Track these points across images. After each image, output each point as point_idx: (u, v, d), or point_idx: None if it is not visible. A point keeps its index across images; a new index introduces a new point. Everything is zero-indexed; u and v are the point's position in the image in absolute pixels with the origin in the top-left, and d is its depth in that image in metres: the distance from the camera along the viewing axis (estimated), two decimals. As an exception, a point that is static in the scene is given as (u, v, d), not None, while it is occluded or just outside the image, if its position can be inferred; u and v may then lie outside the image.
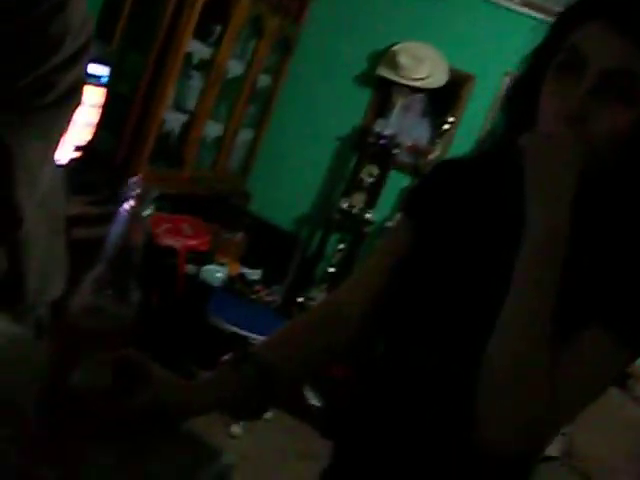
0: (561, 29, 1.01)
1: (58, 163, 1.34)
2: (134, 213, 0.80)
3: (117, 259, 0.80)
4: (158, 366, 0.99)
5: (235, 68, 3.78)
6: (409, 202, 1.20)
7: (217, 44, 3.47)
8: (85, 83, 1.21)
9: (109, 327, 0.82)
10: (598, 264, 1.00)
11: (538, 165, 0.95)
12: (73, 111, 1.21)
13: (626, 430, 3.64)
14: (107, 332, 0.82)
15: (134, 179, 0.81)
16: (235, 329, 3.02)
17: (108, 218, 0.86)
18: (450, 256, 1.08)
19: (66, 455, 0.82)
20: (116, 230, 0.80)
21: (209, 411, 1.05)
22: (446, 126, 4.11)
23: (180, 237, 3.14)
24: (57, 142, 1.21)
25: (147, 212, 0.81)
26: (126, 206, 0.80)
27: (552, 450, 3.48)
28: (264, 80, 4.16)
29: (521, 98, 1.07)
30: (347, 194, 4.16)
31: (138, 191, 0.80)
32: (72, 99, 1.18)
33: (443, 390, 1.04)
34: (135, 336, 0.86)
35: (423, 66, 4.13)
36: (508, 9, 3.99)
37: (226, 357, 1.09)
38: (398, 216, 1.21)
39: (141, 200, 0.80)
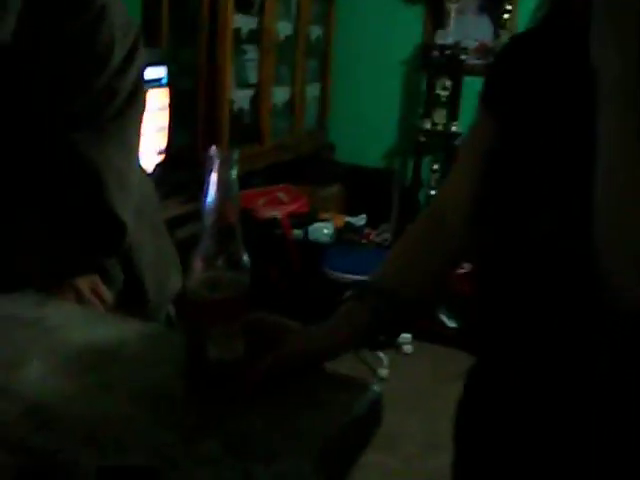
0: None
1: (145, 170, 1.41)
2: (222, 180, 0.82)
3: (217, 227, 0.83)
4: (286, 320, 1.02)
5: (285, 29, 3.79)
6: (485, 90, 1.18)
7: (261, 11, 3.49)
8: (144, 86, 1.24)
9: (228, 295, 0.83)
10: None
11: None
12: (141, 115, 1.24)
13: None
14: (227, 300, 0.84)
15: (212, 149, 0.84)
16: (353, 277, 3.09)
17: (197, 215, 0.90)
18: (539, 133, 1.07)
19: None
20: (210, 200, 0.82)
21: (347, 350, 1.07)
22: (506, 15, 4.00)
23: (279, 206, 3.23)
24: (137, 148, 1.26)
25: (234, 175, 0.84)
26: (213, 175, 0.83)
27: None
28: (316, 31, 4.15)
29: None
30: (427, 114, 4.13)
31: (219, 158, 0.83)
32: (136, 104, 1.21)
33: (566, 258, 1.03)
34: (253, 299, 0.89)
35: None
36: None
37: (347, 294, 1.13)
38: (478, 107, 1.20)
39: (225, 165, 0.82)
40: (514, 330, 1.09)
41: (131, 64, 1.18)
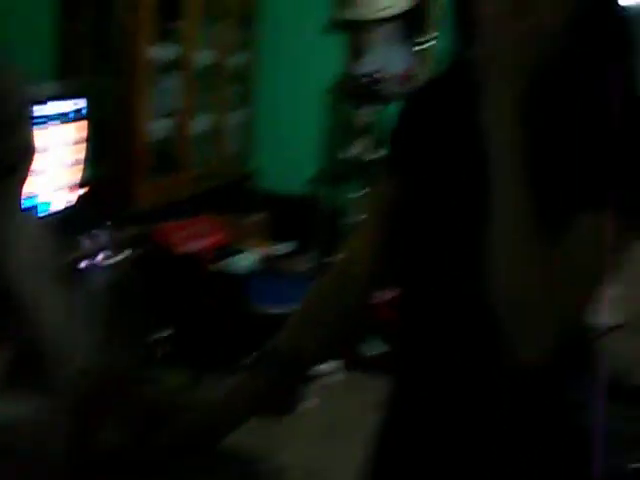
0: None
1: (39, 223, 1.35)
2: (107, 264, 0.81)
3: (105, 311, 0.82)
4: (178, 394, 1.02)
5: (206, 56, 3.76)
6: (392, 140, 1.21)
7: (180, 40, 3.46)
8: (30, 151, 1.18)
9: (109, 382, 0.84)
10: (569, 152, 1.01)
11: (491, 71, 0.96)
12: (21, 181, 1.18)
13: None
14: (109, 389, 0.84)
15: (98, 232, 0.83)
16: (278, 309, 3.06)
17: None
18: (443, 183, 1.09)
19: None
20: (95, 286, 0.82)
21: (246, 421, 1.08)
22: (425, 45, 4.07)
23: (199, 239, 3.18)
24: (17, 211, 1.19)
25: (123, 257, 0.82)
26: (99, 258, 0.81)
27: (617, 319, 3.48)
28: (239, 58, 4.14)
29: (465, 8, 1.07)
30: (349, 142, 4.15)
31: (108, 241, 0.80)
32: (15, 169, 1.15)
33: (471, 314, 1.06)
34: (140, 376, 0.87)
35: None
36: None
37: (248, 360, 1.12)
38: (383, 153, 1.23)
39: (114, 248, 0.81)
40: (426, 363, 1.11)
41: (14, 129, 1.13)
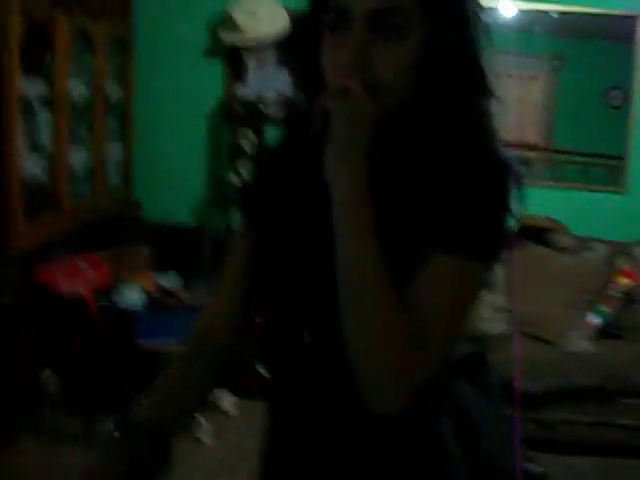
0: None
1: None
2: None
3: None
4: None
5: (80, 89, 3.67)
6: (242, 200, 1.21)
7: (50, 73, 3.37)
8: None
9: None
10: (417, 197, 1.02)
11: (337, 125, 0.96)
12: None
13: (561, 280, 3.78)
14: None
15: None
16: (165, 343, 3.01)
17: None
18: (293, 238, 1.09)
19: None
20: None
21: None
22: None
23: (80, 277, 3.09)
24: None
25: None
26: None
27: (500, 329, 3.60)
28: (115, 89, 4.05)
29: (307, 62, 1.07)
30: (233, 167, 4.13)
31: None
32: None
33: (328, 366, 1.06)
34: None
35: (260, 19, 4.08)
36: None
37: (109, 429, 1.09)
38: (239, 219, 1.21)
39: None
40: (292, 405, 1.12)
41: None
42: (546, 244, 4.05)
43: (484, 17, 1.05)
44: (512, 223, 1.04)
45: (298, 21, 1.11)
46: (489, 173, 1.02)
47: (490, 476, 1.22)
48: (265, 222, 1.14)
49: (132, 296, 3.39)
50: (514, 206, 1.03)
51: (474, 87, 1.05)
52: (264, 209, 1.15)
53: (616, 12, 4.38)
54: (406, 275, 0.98)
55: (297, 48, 1.10)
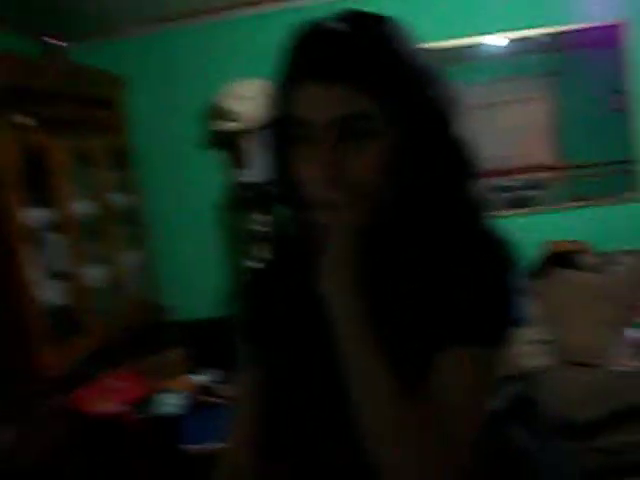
0: (280, 100, 1.02)
1: None
2: None
3: None
4: None
5: (86, 207, 3.73)
6: (242, 330, 1.19)
7: (54, 197, 3.42)
8: None
9: None
10: (419, 294, 1.00)
11: (332, 237, 0.95)
12: None
13: (595, 300, 3.72)
14: None
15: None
16: (212, 446, 2.97)
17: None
18: (303, 357, 1.08)
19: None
20: None
21: None
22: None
23: (116, 397, 3.09)
24: None
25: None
26: None
27: (545, 361, 3.54)
28: (119, 198, 4.11)
29: (287, 187, 1.06)
30: (250, 252, 4.14)
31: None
32: None
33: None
34: None
35: (250, 102, 4.13)
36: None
37: None
38: (241, 347, 1.19)
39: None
40: None
41: None
42: (574, 266, 3.99)
43: (446, 85, 1.03)
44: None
45: (263, 138, 1.10)
46: (487, 257, 1.00)
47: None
48: (272, 346, 1.12)
49: (171, 402, 3.38)
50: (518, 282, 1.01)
51: (455, 170, 1.03)
52: (269, 333, 1.13)
53: (599, 24, 4.41)
54: (418, 374, 0.96)
55: (270, 163, 1.09)
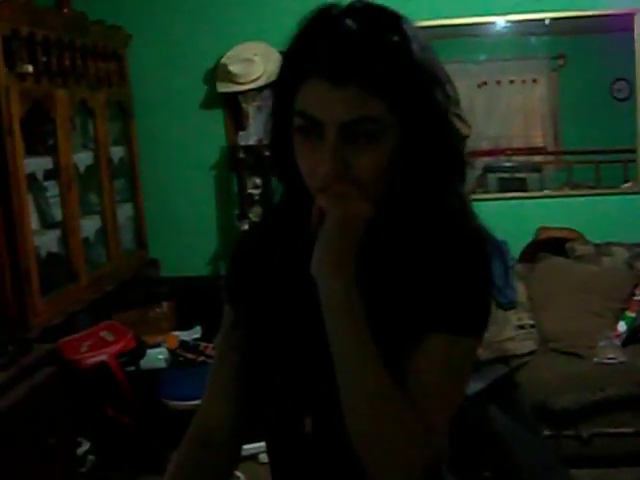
0: (284, 92, 1.03)
1: None
2: None
3: None
4: None
5: (85, 159, 3.74)
6: (227, 291, 1.21)
7: (55, 148, 3.43)
8: None
9: None
10: (404, 281, 1.03)
11: (329, 227, 0.97)
12: None
13: (585, 290, 3.73)
14: None
15: None
16: (188, 403, 3.02)
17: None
18: (283, 324, 1.10)
19: None
20: None
21: None
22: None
23: (104, 348, 3.13)
24: None
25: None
26: None
27: (528, 347, 3.59)
28: (119, 152, 4.12)
29: (282, 161, 1.08)
30: (243, 214, 4.16)
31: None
32: None
33: (331, 453, 1.07)
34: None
35: (255, 65, 4.13)
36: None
37: None
38: (226, 309, 1.22)
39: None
40: None
41: None
42: (565, 254, 4.01)
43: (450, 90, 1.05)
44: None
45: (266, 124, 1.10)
46: (470, 252, 1.05)
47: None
48: (255, 313, 1.15)
49: (158, 356, 3.43)
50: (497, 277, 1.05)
51: (450, 173, 1.06)
52: (252, 300, 1.16)
53: (611, 12, 4.36)
54: (400, 358, 1.00)
55: (276, 145, 1.10)
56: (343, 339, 0.98)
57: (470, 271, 1.03)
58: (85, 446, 3.36)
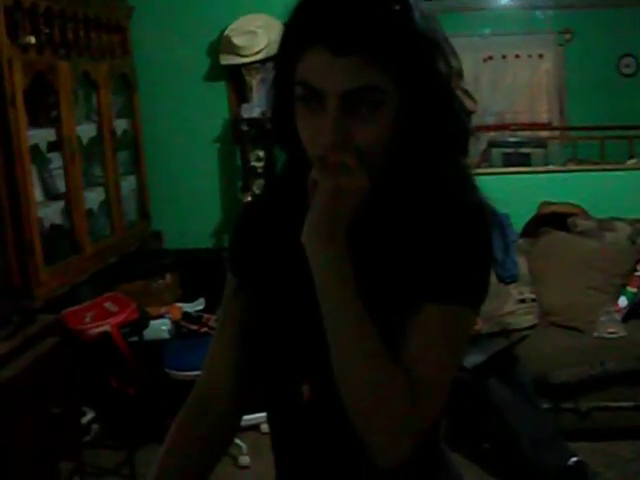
0: (286, 62, 1.03)
1: None
2: None
3: None
4: None
5: (88, 130, 3.74)
6: (230, 260, 1.22)
7: (58, 120, 3.43)
8: None
9: None
10: (402, 251, 1.04)
11: (322, 198, 0.98)
12: None
13: (587, 265, 3.75)
14: None
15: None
16: (191, 373, 3.05)
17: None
18: (282, 292, 1.12)
19: None
20: None
21: None
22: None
23: (108, 319, 3.16)
24: None
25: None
26: None
27: (529, 321, 3.61)
28: (122, 125, 4.12)
29: (284, 131, 1.09)
30: (246, 187, 4.18)
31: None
32: None
33: (328, 420, 1.09)
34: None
35: (258, 37, 4.12)
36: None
37: None
38: (228, 277, 1.23)
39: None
40: (297, 459, 1.14)
41: None
42: (567, 229, 4.02)
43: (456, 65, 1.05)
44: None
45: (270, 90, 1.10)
46: (470, 222, 1.05)
47: (526, 472, 1.24)
48: (256, 280, 1.16)
49: (161, 327, 3.46)
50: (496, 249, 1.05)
51: (452, 144, 1.06)
52: (254, 267, 1.17)
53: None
54: (397, 327, 1.01)
55: (277, 115, 1.10)
56: (331, 310, 0.99)
57: (468, 241, 1.04)
58: (89, 415, 3.41)
